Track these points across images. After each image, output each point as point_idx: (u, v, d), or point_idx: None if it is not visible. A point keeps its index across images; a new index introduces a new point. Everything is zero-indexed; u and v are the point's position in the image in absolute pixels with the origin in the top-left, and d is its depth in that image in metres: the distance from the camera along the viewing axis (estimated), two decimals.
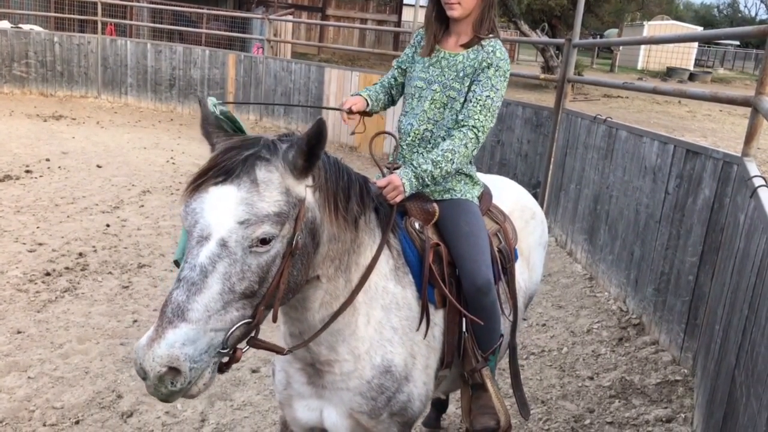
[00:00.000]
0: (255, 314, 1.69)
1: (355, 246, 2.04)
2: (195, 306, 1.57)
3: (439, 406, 3.43)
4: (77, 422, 3.37)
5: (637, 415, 3.65)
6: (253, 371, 3.95)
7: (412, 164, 2.29)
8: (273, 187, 1.69)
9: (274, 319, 1.76)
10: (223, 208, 1.64)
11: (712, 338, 3.44)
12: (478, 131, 2.35)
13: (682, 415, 3.61)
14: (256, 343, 1.77)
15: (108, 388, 3.68)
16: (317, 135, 1.71)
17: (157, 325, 1.57)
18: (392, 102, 2.73)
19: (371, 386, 2.12)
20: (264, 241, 1.66)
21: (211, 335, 1.60)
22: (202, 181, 1.69)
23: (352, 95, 2.63)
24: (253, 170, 1.68)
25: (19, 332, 4.19)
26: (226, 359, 1.69)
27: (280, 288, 1.71)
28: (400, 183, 2.23)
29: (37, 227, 6.13)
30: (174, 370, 1.54)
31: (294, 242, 1.72)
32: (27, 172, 8.04)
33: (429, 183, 2.30)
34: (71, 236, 5.95)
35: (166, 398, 1.59)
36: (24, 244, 5.68)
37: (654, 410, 3.68)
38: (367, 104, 2.60)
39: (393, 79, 2.71)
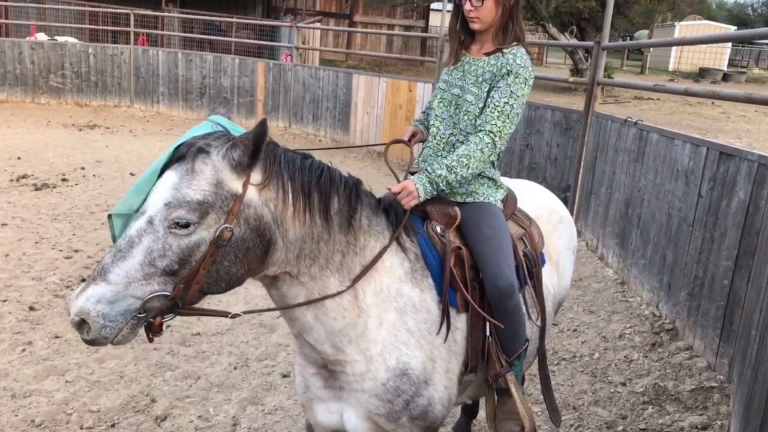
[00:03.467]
0: (174, 290, 1.81)
1: (356, 248, 2.09)
2: (117, 270, 1.75)
3: (470, 412, 3.41)
4: (113, 425, 3.44)
5: (672, 422, 3.59)
6: (284, 376, 3.98)
7: (426, 169, 2.31)
8: (203, 177, 1.82)
9: (191, 302, 1.87)
10: (160, 190, 1.81)
11: (748, 344, 3.37)
12: (495, 136, 2.35)
13: (718, 423, 3.54)
14: (182, 312, 1.89)
15: (142, 392, 3.75)
16: (262, 134, 1.81)
17: (86, 281, 1.78)
18: None
19: (386, 388, 2.14)
20: (180, 225, 1.78)
21: (131, 300, 1.76)
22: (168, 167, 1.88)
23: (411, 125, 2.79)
24: (194, 160, 1.83)
25: (56, 337, 4.29)
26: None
27: (200, 272, 1.82)
28: (414, 188, 2.26)
29: (73, 234, 6.27)
30: (86, 322, 1.74)
31: (220, 233, 1.81)
32: (63, 180, 8.24)
33: (444, 188, 2.32)
34: (106, 243, 6.07)
35: (87, 344, 1.81)
36: (61, 251, 5.82)
37: (689, 417, 3.61)
38: (423, 136, 2.73)
39: None
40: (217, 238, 1.80)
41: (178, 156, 1.85)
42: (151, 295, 1.77)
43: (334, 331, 2.09)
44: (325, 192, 2.00)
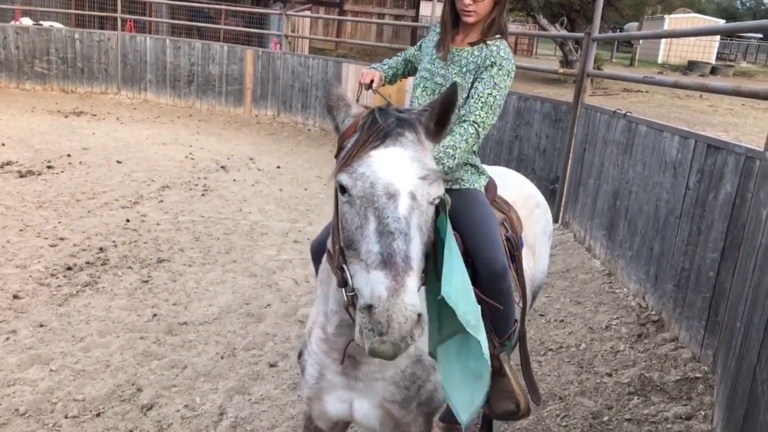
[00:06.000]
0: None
1: None
2: (414, 255, 1.61)
3: None
4: (98, 414, 3.42)
5: (656, 412, 3.62)
6: (271, 365, 3.97)
7: None
8: (428, 147, 1.85)
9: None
10: (401, 166, 1.72)
11: (733, 335, 3.40)
12: (479, 127, 2.40)
13: (702, 413, 3.57)
14: None
15: (128, 381, 3.72)
16: (451, 98, 1.80)
17: (392, 274, 1.55)
18: (411, 73, 2.87)
19: (405, 375, 2.15)
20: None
21: None
22: (359, 148, 1.77)
23: (370, 68, 2.75)
24: (410, 132, 1.80)
25: (41, 326, 4.25)
26: None
27: (430, 236, 1.80)
28: None
29: (59, 222, 6.21)
30: (420, 319, 1.54)
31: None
32: (48, 167, 8.15)
33: None
34: (92, 231, 6.03)
35: (396, 354, 1.55)
36: (46, 238, 5.76)
37: (673, 407, 3.65)
38: (382, 81, 2.75)
39: (408, 59, 2.86)
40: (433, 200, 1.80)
41: (381, 135, 1.77)
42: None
43: None
44: None
